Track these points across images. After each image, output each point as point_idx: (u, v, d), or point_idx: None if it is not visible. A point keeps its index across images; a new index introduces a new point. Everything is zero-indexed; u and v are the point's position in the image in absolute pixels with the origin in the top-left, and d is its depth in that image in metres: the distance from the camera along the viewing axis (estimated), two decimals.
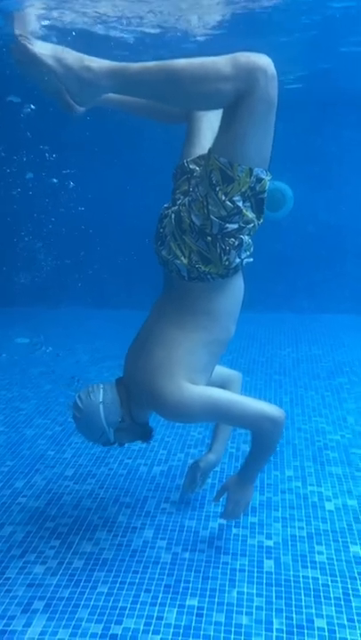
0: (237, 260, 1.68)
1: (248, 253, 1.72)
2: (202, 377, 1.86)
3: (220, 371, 2.17)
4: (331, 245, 5.67)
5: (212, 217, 1.57)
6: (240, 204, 1.56)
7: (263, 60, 1.38)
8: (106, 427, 1.92)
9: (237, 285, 1.82)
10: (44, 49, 1.35)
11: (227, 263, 1.66)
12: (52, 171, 5.48)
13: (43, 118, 4.10)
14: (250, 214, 1.60)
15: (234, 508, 2.06)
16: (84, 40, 3.89)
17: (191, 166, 1.78)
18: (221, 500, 2.16)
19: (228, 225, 1.58)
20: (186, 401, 1.76)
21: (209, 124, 1.80)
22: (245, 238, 1.65)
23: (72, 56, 1.37)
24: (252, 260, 1.76)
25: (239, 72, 1.36)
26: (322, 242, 5.67)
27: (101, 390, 1.94)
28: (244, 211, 1.58)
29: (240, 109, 1.42)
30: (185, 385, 1.77)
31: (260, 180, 1.55)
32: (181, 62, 1.38)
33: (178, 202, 1.73)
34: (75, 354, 4.55)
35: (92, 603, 1.90)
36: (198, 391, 1.79)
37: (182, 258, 1.66)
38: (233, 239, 1.61)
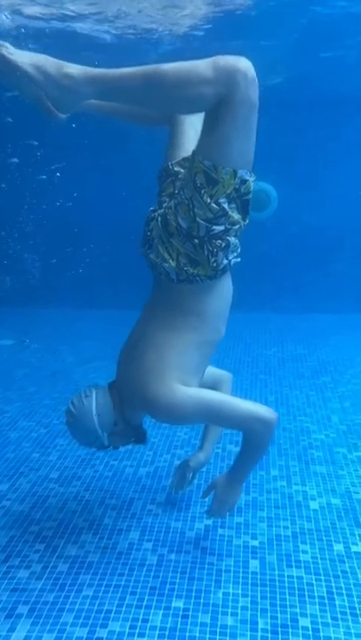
0: (225, 262, 1.69)
1: (235, 254, 1.74)
2: (194, 378, 1.87)
3: (211, 371, 2.18)
4: (315, 246, 5.72)
5: (198, 219, 1.58)
6: (226, 205, 1.57)
7: (243, 63, 1.39)
8: (100, 431, 1.92)
9: (226, 286, 1.83)
10: (22, 57, 1.35)
11: (215, 265, 1.67)
12: (37, 170, 5.44)
13: (27, 117, 4.07)
14: (236, 216, 1.62)
15: (219, 507, 2.06)
16: (62, 40, 3.86)
17: (176, 168, 1.78)
18: (208, 499, 2.17)
19: (214, 227, 1.59)
20: (178, 403, 1.77)
21: (191, 125, 1.81)
22: (232, 239, 1.66)
23: (51, 63, 1.37)
24: (239, 260, 1.78)
25: (219, 75, 1.36)
26: (306, 242, 5.72)
27: (94, 395, 1.94)
28: (229, 212, 1.59)
29: (222, 112, 1.42)
30: (177, 387, 1.78)
31: (244, 181, 1.56)
32: (161, 67, 1.38)
33: (164, 205, 1.73)
34: (60, 354, 4.53)
35: (76, 606, 1.89)
36: (190, 393, 1.79)
37: (170, 261, 1.67)
38: (220, 241, 1.62)
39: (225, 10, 3.34)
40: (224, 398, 1.88)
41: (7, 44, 1.34)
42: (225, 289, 1.83)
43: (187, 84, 1.37)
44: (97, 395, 1.94)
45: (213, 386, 2.19)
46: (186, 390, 1.79)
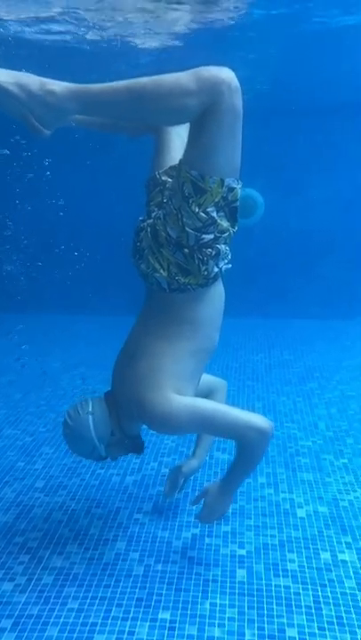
0: (216, 270, 1.69)
1: (226, 261, 1.74)
2: (189, 387, 1.86)
3: (206, 379, 2.17)
4: (302, 251, 5.75)
5: (187, 229, 1.58)
6: (214, 214, 1.57)
7: (225, 74, 1.39)
8: (97, 442, 1.91)
9: (218, 293, 1.83)
10: (4, 76, 1.35)
11: (205, 273, 1.67)
12: (26, 174, 5.40)
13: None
14: (224, 223, 1.62)
15: (208, 514, 2.05)
16: (45, 51, 3.83)
17: (163, 178, 1.78)
18: (195, 507, 2.15)
19: (203, 236, 1.59)
20: (173, 412, 1.76)
21: (177, 134, 1.81)
22: (222, 247, 1.66)
23: (33, 81, 1.37)
24: (230, 266, 1.78)
25: (203, 86, 1.37)
26: (293, 248, 5.75)
27: (90, 405, 1.93)
28: (218, 220, 1.59)
29: (207, 122, 1.43)
30: (172, 396, 1.77)
31: (231, 189, 1.57)
32: (144, 80, 1.38)
33: (153, 214, 1.73)
34: (46, 361, 4.48)
35: (61, 620, 1.86)
36: (185, 402, 1.79)
37: (161, 271, 1.67)
38: (210, 249, 1.63)
39: (208, 21, 3.35)
40: (220, 407, 1.86)
41: None
42: (217, 296, 1.83)
43: (170, 97, 1.37)
44: (93, 405, 1.93)
45: (208, 393, 2.20)
46: (181, 400, 1.78)
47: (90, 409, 1.91)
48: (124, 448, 2.00)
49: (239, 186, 1.59)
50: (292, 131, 5.48)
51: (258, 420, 1.80)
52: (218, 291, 1.82)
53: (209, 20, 3.39)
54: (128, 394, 1.86)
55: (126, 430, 1.95)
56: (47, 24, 3.42)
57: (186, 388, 1.83)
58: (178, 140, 1.80)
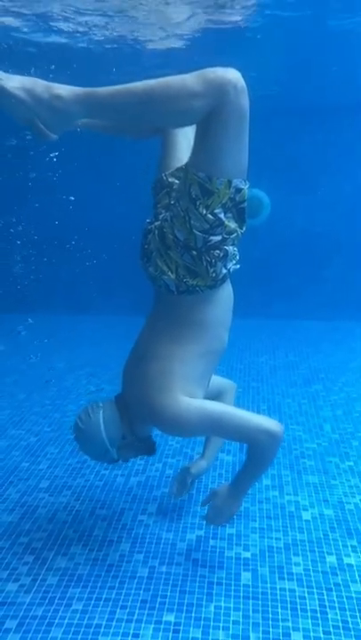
0: (224, 271, 1.69)
1: (234, 262, 1.74)
2: (199, 388, 1.85)
3: (215, 380, 2.17)
4: (307, 252, 5.73)
5: (194, 231, 1.57)
6: (222, 215, 1.57)
7: (232, 75, 1.38)
8: (108, 445, 1.91)
9: (226, 294, 1.83)
10: (12, 81, 1.35)
11: (214, 275, 1.66)
12: (31, 174, 5.41)
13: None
14: (232, 224, 1.61)
15: (216, 515, 2.04)
16: (50, 52, 3.84)
17: (170, 179, 1.77)
18: (200, 509, 2.13)
19: (211, 237, 1.59)
20: (183, 415, 1.75)
21: (183, 134, 1.81)
22: (230, 248, 1.66)
23: (40, 85, 1.37)
24: (238, 266, 1.78)
25: (209, 88, 1.36)
26: (298, 248, 5.73)
27: (101, 409, 1.93)
28: (226, 222, 1.58)
29: (213, 124, 1.42)
30: (182, 399, 1.77)
31: (239, 190, 1.56)
32: (150, 83, 1.37)
33: (160, 216, 1.73)
34: (50, 360, 4.49)
35: (66, 621, 1.86)
36: (196, 405, 1.78)
37: (170, 273, 1.67)
38: (218, 251, 1.62)
39: (216, 23, 3.35)
40: (230, 410, 1.85)
41: None
42: (225, 297, 1.82)
43: (176, 99, 1.37)
44: (104, 409, 1.93)
45: (218, 394, 2.20)
46: (191, 402, 1.77)
47: (101, 412, 1.92)
48: (135, 450, 2.00)
49: (247, 186, 1.58)
50: (298, 131, 5.46)
51: (269, 423, 1.79)
52: (226, 292, 1.81)
53: (217, 22, 3.38)
54: (138, 396, 1.86)
55: (137, 432, 1.96)
56: (51, 22, 3.42)
57: (195, 390, 1.82)
58: (184, 141, 1.80)
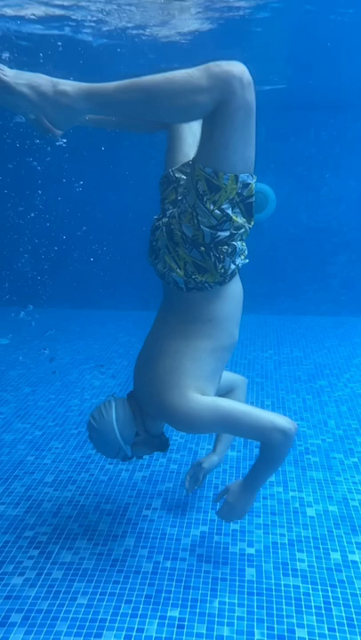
0: (233, 267, 1.68)
1: (243, 257, 1.73)
2: (210, 385, 1.85)
3: (226, 376, 2.17)
4: (312, 247, 5.70)
5: (202, 227, 1.56)
6: (229, 211, 1.55)
7: (237, 68, 1.36)
8: (122, 443, 1.92)
9: (236, 289, 1.81)
10: (17, 78, 1.34)
11: (222, 271, 1.65)
12: (31, 169, 5.40)
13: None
14: (240, 220, 1.60)
15: (228, 511, 2.03)
16: (50, 45, 3.80)
17: (177, 175, 1.76)
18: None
19: (219, 233, 1.58)
20: (194, 412, 1.75)
21: (189, 129, 1.79)
22: (238, 244, 1.65)
23: (45, 82, 1.36)
24: (247, 261, 1.77)
25: (214, 82, 1.34)
26: (303, 244, 5.70)
27: (113, 407, 1.93)
28: (233, 217, 1.57)
29: (220, 118, 1.40)
30: (193, 396, 1.76)
31: (246, 185, 1.55)
32: (155, 78, 1.36)
33: (167, 213, 1.72)
34: (55, 355, 4.49)
35: (71, 615, 1.87)
36: (208, 402, 1.77)
37: (178, 270, 1.66)
38: (226, 246, 1.61)
39: (221, 15, 3.30)
40: (242, 408, 1.84)
41: (1, 65, 1.34)
42: (235, 292, 1.81)
43: (182, 94, 1.35)
44: (116, 407, 1.94)
45: (229, 390, 2.20)
46: (203, 400, 1.77)
47: (113, 410, 1.92)
48: (149, 447, 2.01)
49: (254, 181, 1.56)
50: (304, 126, 5.42)
51: (282, 420, 1.78)
52: (236, 287, 1.80)
53: (221, 14, 3.34)
54: (150, 394, 1.86)
55: (150, 429, 1.96)
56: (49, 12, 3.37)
57: (207, 387, 1.82)
58: (191, 136, 1.78)
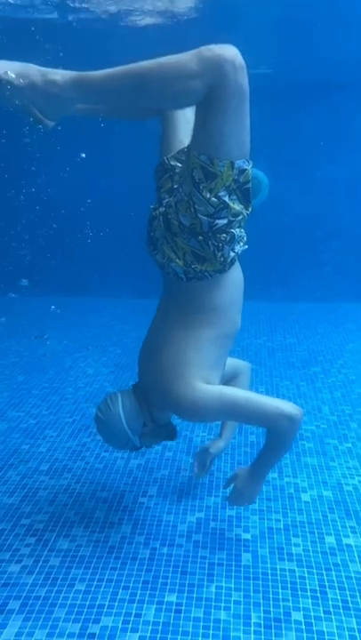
0: (232, 254, 1.67)
1: (242, 244, 1.72)
2: (214, 373, 1.85)
3: (230, 362, 2.16)
4: (305, 235, 5.69)
5: (199, 216, 1.54)
6: (226, 198, 1.54)
7: (229, 52, 1.33)
8: (130, 434, 1.92)
9: (236, 276, 1.80)
10: (5, 67, 1.31)
11: (222, 259, 1.64)
12: (26, 156, 5.31)
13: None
14: (237, 206, 1.58)
15: (237, 497, 2.06)
16: (42, 26, 3.71)
17: (172, 163, 1.73)
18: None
19: (217, 221, 1.56)
20: (200, 401, 1.75)
21: (183, 115, 1.76)
22: (236, 231, 1.63)
23: (35, 71, 1.33)
24: (246, 247, 1.75)
25: (206, 67, 1.31)
26: (297, 230, 5.69)
27: (120, 399, 1.93)
28: (230, 204, 1.55)
29: (213, 104, 1.38)
30: (198, 385, 1.76)
31: (242, 170, 1.53)
32: (146, 65, 1.32)
33: (164, 202, 1.69)
34: (49, 342, 4.47)
35: (69, 601, 1.88)
36: (213, 391, 1.78)
37: (177, 260, 1.65)
38: (224, 234, 1.59)
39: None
40: (248, 395, 1.84)
41: None
42: (235, 279, 1.80)
43: (174, 80, 1.32)
44: (122, 398, 1.93)
45: (233, 376, 2.21)
46: (208, 388, 1.77)
47: (120, 402, 1.92)
48: (157, 436, 2.01)
49: (250, 166, 1.54)
50: (298, 111, 5.37)
51: (288, 407, 1.78)
52: (236, 274, 1.79)
53: None
54: (155, 384, 1.86)
55: (157, 419, 1.96)
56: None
57: (212, 375, 1.82)
58: (185, 122, 1.74)
